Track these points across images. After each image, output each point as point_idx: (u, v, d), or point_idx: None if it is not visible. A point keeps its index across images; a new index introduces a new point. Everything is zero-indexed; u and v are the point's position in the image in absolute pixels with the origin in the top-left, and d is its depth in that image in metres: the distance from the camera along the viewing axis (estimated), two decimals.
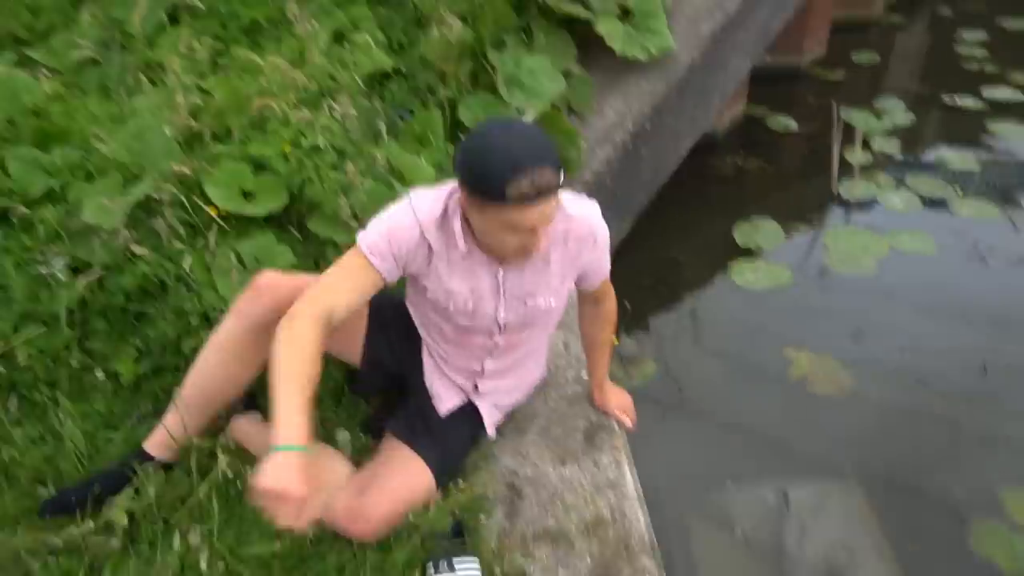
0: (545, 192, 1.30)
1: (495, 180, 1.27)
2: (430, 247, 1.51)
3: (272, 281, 1.60)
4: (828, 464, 2.75)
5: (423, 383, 1.77)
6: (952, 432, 2.92)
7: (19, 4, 2.83)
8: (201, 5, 2.78)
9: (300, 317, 1.38)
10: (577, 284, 1.72)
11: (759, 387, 3.12)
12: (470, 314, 1.60)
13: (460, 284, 1.56)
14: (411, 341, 1.79)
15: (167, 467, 1.69)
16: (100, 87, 2.55)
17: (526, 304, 1.60)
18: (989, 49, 6.09)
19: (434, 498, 1.66)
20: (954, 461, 2.80)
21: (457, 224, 1.47)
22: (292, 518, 1.21)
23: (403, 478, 1.62)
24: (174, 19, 2.83)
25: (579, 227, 1.56)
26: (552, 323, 1.78)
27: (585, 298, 1.81)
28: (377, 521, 1.54)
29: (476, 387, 1.78)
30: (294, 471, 1.20)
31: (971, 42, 6.24)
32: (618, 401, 2.00)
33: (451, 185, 1.48)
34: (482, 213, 1.36)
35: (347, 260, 1.49)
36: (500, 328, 1.64)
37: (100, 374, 1.93)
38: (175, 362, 1.93)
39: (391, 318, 1.78)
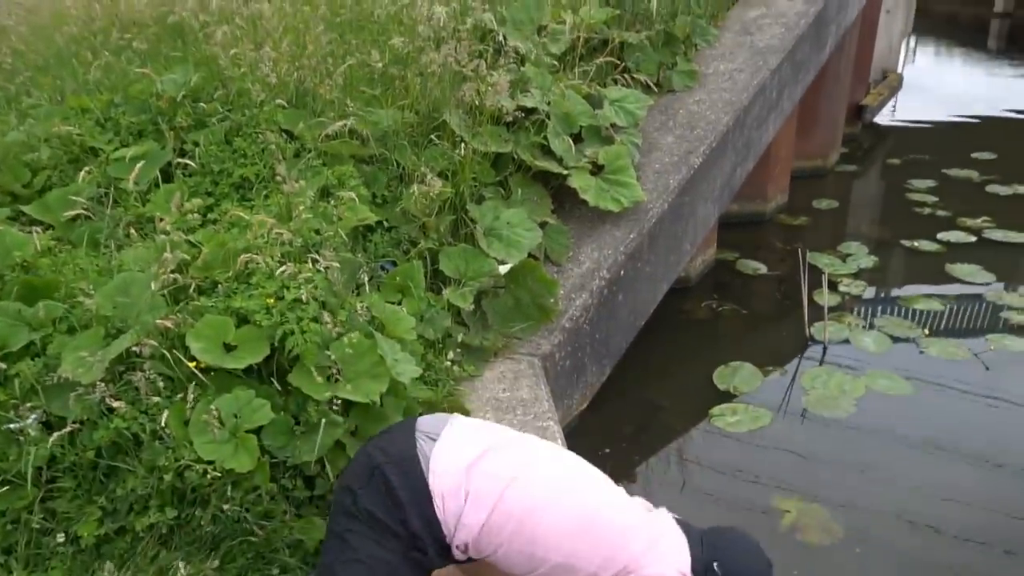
0: None
1: None
2: None
3: None
4: None
5: None
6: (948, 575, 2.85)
7: (19, 163, 2.96)
8: (193, 164, 2.92)
9: None
10: None
11: None
12: None
13: None
14: None
15: None
16: (91, 241, 2.62)
17: None
18: (938, 195, 6.50)
19: None
20: None
21: None
22: None
23: None
24: (169, 177, 2.96)
25: None
26: None
27: None
28: None
29: None
30: None
31: (921, 189, 6.66)
32: None
33: None
34: None
35: None
36: None
37: (60, 537, 1.84)
38: (142, 522, 1.85)
39: None
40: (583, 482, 1.70)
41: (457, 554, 1.62)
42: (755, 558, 1.66)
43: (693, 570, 1.60)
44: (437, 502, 1.57)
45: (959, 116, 8.76)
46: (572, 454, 1.80)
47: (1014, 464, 3.43)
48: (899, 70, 9.47)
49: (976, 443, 3.54)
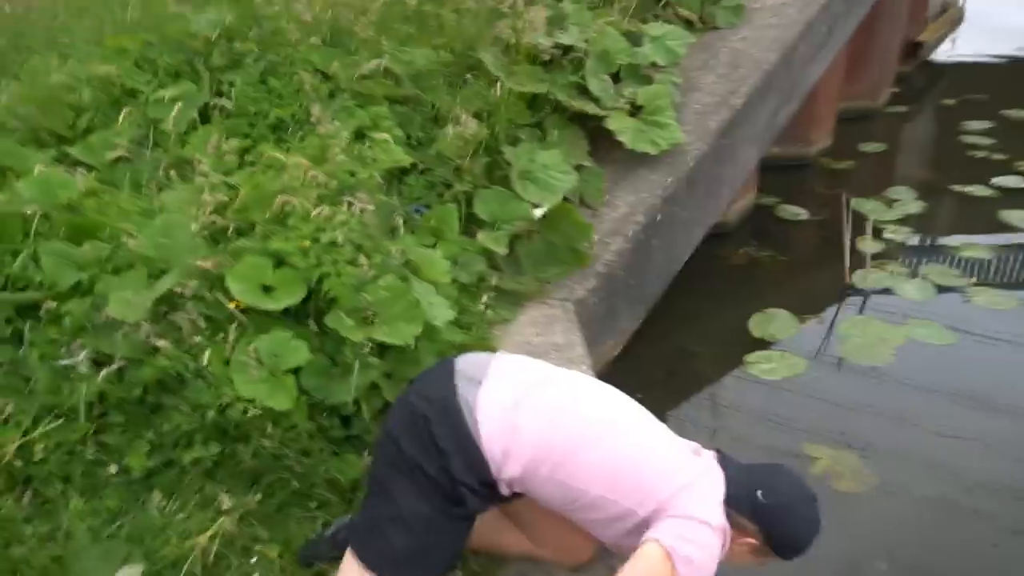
0: None
1: (800, 551, 1.62)
2: None
3: None
4: (858, 569, 2.65)
5: None
6: (986, 526, 2.84)
7: (62, 105, 2.99)
8: (229, 105, 2.92)
9: None
10: None
11: None
12: None
13: None
14: None
15: None
16: (132, 183, 2.65)
17: None
18: (994, 137, 6.21)
19: None
20: (991, 558, 2.70)
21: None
22: None
23: None
24: (206, 118, 2.98)
25: None
26: None
27: None
28: None
29: None
30: None
31: (976, 131, 6.37)
32: None
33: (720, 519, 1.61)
34: (756, 555, 1.64)
35: None
36: None
37: (113, 468, 1.94)
38: (188, 456, 1.94)
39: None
40: (627, 421, 1.70)
41: (503, 489, 1.64)
42: (799, 488, 1.66)
43: (736, 499, 1.60)
44: (484, 444, 1.59)
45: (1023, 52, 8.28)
46: (616, 391, 1.80)
47: None
48: (960, 3, 8.94)
49: (1017, 395, 3.48)
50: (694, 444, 1.75)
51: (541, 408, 1.64)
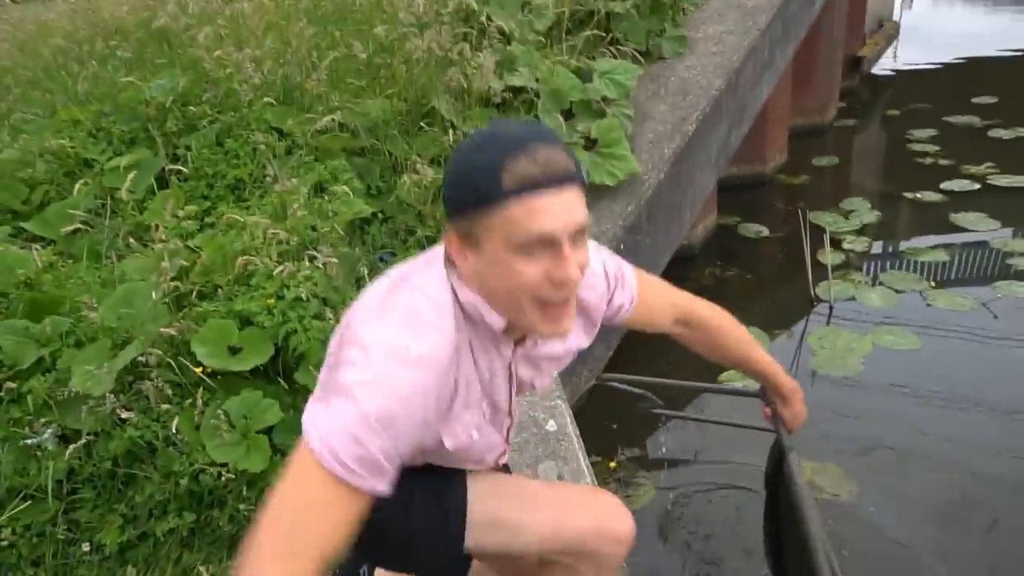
0: (557, 176, 0.93)
1: (485, 173, 0.93)
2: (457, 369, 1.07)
3: None
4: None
5: None
6: (972, 519, 2.87)
7: (16, 180, 2.98)
8: (186, 169, 2.93)
9: None
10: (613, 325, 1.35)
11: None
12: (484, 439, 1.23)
13: (477, 406, 1.17)
14: None
15: None
16: (92, 254, 2.64)
17: (533, 388, 1.30)
18: (939, 144, 6.42)
19: None
20: (980, 553, 2.73)
21: (473, 296, 1.06)
22: None
23: None
24: (164, 183, 2.98)
25: (591, 288, 1.26)
26: None
27: (665, 326, 1.47)
28: None
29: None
30: None
31: (922, 139, 6.58)
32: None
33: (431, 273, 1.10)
34: (479, 238, 0.98)
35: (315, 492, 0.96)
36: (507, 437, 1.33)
37: (85, 546, 1.89)
38: (162, 527, 1.90)
39: None
40: None
41: None
42: (470, 138, 1.02)
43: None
44: None
45: (959, 60, 8.62)
46: None
47: None
48: (895, 18, 9.32)
49: (987, 390, 3.54)
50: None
51: None
